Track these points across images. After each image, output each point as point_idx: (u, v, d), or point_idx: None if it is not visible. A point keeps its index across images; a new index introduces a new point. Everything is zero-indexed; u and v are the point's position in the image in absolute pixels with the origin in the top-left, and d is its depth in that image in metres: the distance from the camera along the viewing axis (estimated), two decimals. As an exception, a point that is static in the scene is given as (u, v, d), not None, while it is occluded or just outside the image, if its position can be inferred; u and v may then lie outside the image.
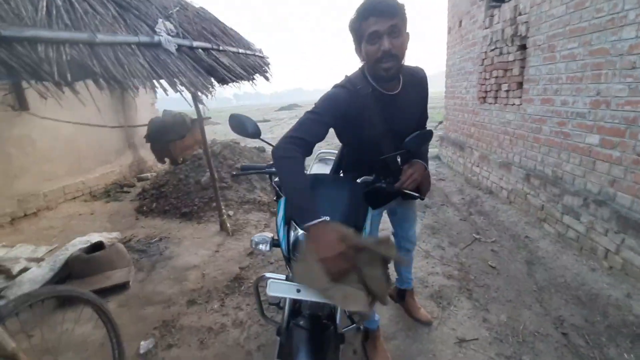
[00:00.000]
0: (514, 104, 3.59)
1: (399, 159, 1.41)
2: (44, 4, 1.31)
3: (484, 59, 4.18)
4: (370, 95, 1.26)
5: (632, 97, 2.19)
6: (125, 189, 5.35)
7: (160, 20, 1.84)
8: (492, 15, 3.98)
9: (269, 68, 2.87)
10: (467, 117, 4.96)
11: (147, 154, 6.22)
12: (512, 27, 3.48)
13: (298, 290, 0.97)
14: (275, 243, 1.24)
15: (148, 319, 2.16)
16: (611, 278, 2.32)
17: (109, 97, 5.38)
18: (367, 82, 1.27)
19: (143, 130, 5.72)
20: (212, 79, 2.11)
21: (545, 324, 1.97)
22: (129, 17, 1.75)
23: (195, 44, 2.04)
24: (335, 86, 1.29)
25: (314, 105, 1.22)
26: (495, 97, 3.97)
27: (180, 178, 4.49)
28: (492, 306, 2.15)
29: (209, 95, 2.12)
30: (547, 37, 2.99)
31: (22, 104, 4.05)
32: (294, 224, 1.15)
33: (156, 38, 1.72)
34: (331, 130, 1.30)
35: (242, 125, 1.32)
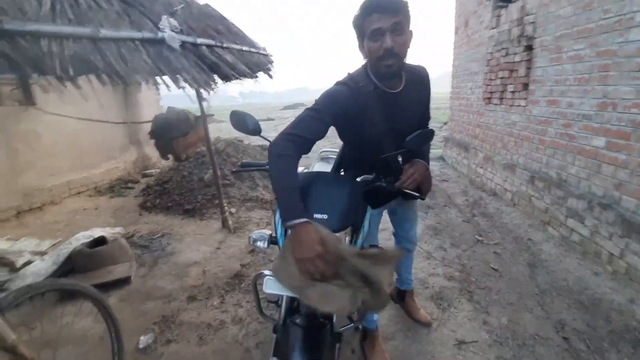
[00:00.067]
0: (519, 105, 3.56)
1: (400, 159, 1.40)
2: (49, -2, 1.32)
3: (489, 60, 4.14)
4: (372, 93, 1.25)
5: (639, 99, 2.16)
6: (129, 184, 5.39)
7: (164, 16, 1.85)
8: (498, 16, 3.95)
9: (272, 66, 2.87)
10: (472, 118, 4.92)
11: (151, 150, 6.26)
12: (519, 28, 3.45)
13: None
14: (273, 240, 1.23)
15: (148, 314, 2.18)
16: (615, 282, 2.29)
17: (114, 94, 5.43)
18: (370, 80, 1.26)
19: (148, 127, 5.76)
20: (216, 76, 2.11)
21: (546, 328, 1.95)
22: (134, 13, 1.76)
23: (199, 40, 2.04)
24: (337, 83, 1.27)
25: (314, 102, 1.21)
26: (501, 98, 3.94)
27: (184, 175, 4.51)
28: (493, 309, 2.13)
29: (212, 92, 2.12)
30: (554, 37, 2.96)
31: (28, 99, 4.10)
32: None
33: (160, 34, 1.73)
34: (333, 130, 1.30)
35: (243, 122, 1.32)
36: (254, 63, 2.61)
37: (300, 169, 1.57)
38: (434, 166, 5.86)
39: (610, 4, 2.34)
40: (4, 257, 2.74)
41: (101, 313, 1.56)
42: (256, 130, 1.34)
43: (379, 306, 0.97)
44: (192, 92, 2.33)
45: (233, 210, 3.77)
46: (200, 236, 3.30)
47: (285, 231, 1.16)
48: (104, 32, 1.37)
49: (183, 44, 1.90)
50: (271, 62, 2.92)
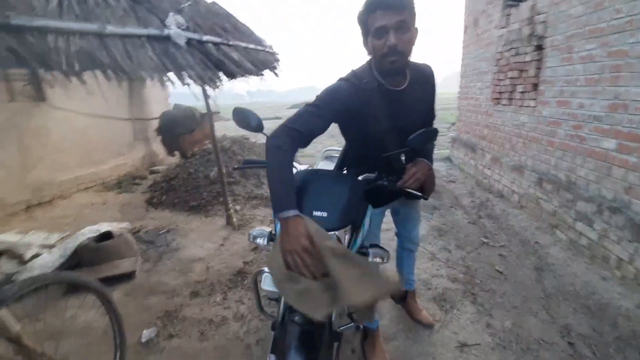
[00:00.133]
0: (528, 106, 3.50)
1: (403, 158, 1.39)
2: (57, -5, 1.34)
3: (499, 59, 4.08)
4: (376, 90, 1.24)
5: (653, 101, 2.11)
6: (137, 180, 5.45)
7: (171, 14, 1.86)
8: (508, 15, 3.89)
9: (278, 64, 2.87)
10: (480, 118, 4.86)
11: (159, 147, 6.33)
12: (529, 27, 3.39)
13: None
14: (272, 238, 1.23)
15: (152, 308, 2.20)
16: (623, 288, 2.24)
17: (123, 91, 5.49)
18: (374, 77, 1.25)
19: (156, 124, 5.82)
20: (221, 73, 2.12)
21: (551, 332, 1.91)
22: (141, 10, 1.77)
23: (205, 38, 2.05)
24: (340, 79, 1.26)
25: (315, 97, 1.20)
26: (510, 99, 3.88)
27: (190, 172, 4.54)
28: (497, 311, 2.10)
29: (218, 90, 2.13)
30: (565, 37, 2.90)
31: (39, 95, 4.16)
32: None
33: (166, 31, 1.74)
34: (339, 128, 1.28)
35: (246, 118, 1.32)
36: (260, 61, 2.61)
37: (304, 167, 1.57)
38: (440, 167, 5.81)
39: (622, 3, 2.29)
40: (14, 249, 2.80)
41: (104, 306, 1.58)
42: (259, 127, 1.33)
43: (361, 317, 0.96)
44: (198, 89, 2.35)
45: (238, 207, 3.78)
46: (204, 233, 3.33)
47: None
48: (110, 29, 1.39)
49: (189, 41, 1.91)
50: (277, 61, 2.92)
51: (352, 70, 1.29)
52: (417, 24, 1.18)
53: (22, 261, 2.64)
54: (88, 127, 4.81)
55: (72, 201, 4.49)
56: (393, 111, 1.27)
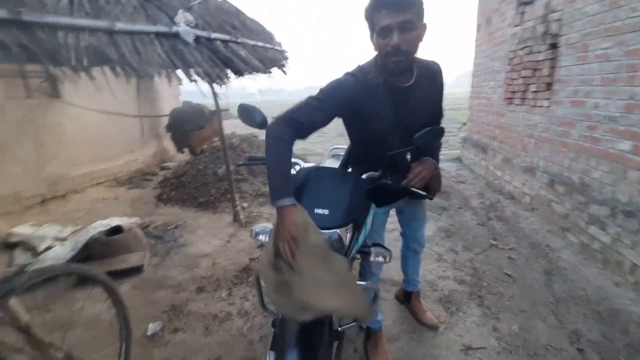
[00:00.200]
0: (541, 106, 3.42)
1: (408, 156, 1.37)
2: (68, -8, 1.36)
3: (512, 58, 4.00)
4: (382, 86, 1.22)
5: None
6: (147, 177, 5.54)
7: (180, 11, 1.88)
8: (522, 12, 3.80)
9: (286, 62, 2.87)
10: (492, 118, 4.77)
11: (170, 144, 6.41)
12: (544, 25, 3.31)
13: None
14: None
15: (158, 302, 2.23)
16: (636, 294, 2.17)
17: (135, 89, 5.58)
18: (379, 72, 1.23)
19: (167, 121, 5.89)
20: (229, 71, 2.13)
21: (559, 338, 1.87)
22: (150, 7, 1.80)
23: (214, 35, 2.06)
24: (347, 73, 1.25)
25: (319, 90, 1.20)
26: (523, 98, 3.80)
27: (199, 169, 4.59)
28: (504, 315, 2.06)
29: (228, 88, 2.15)
30: (580, 35, 2.82)
31: (54, 92, 4.26)
32: None
33: (174, 28, 1.76)
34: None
35: (250, 115, 1.32)
36: (269, 59, 2.62)
37: (311, 165, 1.56)
38: (450, 167, 5.73)
39: (637, 2, 2.22)
40: (28, 241, 2.89)
41: (111, 299, 1.61)
42: (263, 124, 1.34)
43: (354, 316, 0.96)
44: (206, 87, 2.36)
45: (245, 204, 3.81)
46: (212, 229, 3.36)
47: None
48: (119, 25, 1.41)
49: (197, 39, 1.93)
50: (286, 59, 2.92)
51: (359, 65, 1.28)
52: (426, 20, 1.16)
53: (35, 253, 2.72)
54: (101, 124, 4.91)
55: (85, 196, 4.59)
56: (398, 108, 1.25)
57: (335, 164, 2.16)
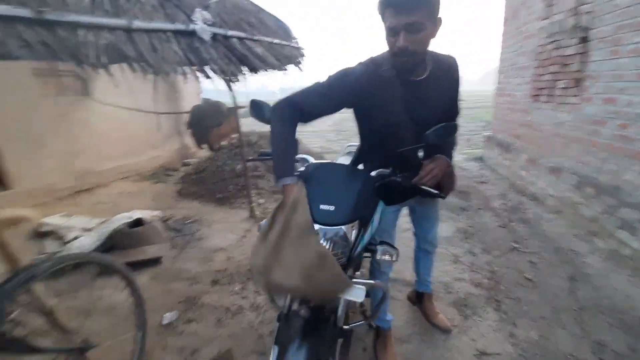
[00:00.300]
0: (570, 103, 3.25)
1: (420, 153, 1.33)
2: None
3: (539, 53, 3.82)
4: (393, 79, 1.20)
5: None
6: (170, 172, 5.72)
7: (197, 9, 1.92)
8: (551, 5, 3.61)
9: (303, 59, 2.88)
10: (517, 116, 4.59)
11: (191, 140, 6.58)
12: (574, 18, 3.13)
13: None
14: None
15: (174, 293, 2.30)
16: (670, 305, 2.03)
17: (160, 86, 5.75)
18: (392, 65, 1.21)
19: (187, 118, 6.05)
20: (245, 67, 2.16)
21: (581, 348, 1.78)
22: (169, 6, 1.84)
23: (230, 33, 2.09)
24: (359, 63, 1.24)
25: (327, 77, 1.20)
26: (550, 95, 3.62)
27: (218, 165, 4.69)
28: (522, 321, 1.98)
29: (244, 84, 2.18)
30: (612, 29, 2.65)
31: (84, 90, 4.47)
32: None
33: (191, 26, 1.80)
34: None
35: (260, 110, 1.33)
36: (285, 56, 2.63)
37: (319, 161, 1.55)
38: (472, 167, 5.56)
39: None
40: (58, 231, 3.05)
41: (129, 288, 1.67)
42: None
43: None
44: (223, 84, 2.40)
45: (261, 201, 3.86)
46: (228, 224, 3.43)
47: None
48: (137, 23, 1.46)
49: (214, 36, 1.96)
50: (302, 56, 2.93)
51: (371, 57, 1.26)
52: (441, 15, 1.12)
53: (64, 242, 2.87)
54: (127, 121, 5.11)
55: (111, 189, 4.79)
56: (410, 102, 1.22)
57: (348, 160, 2.15)
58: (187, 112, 5.98)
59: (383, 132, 1.30)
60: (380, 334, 1.70)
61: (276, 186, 1.12)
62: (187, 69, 1.77)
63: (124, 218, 3.12)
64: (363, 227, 1.12)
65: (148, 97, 5.03)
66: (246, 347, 1.81)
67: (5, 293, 1.12)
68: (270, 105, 1.38)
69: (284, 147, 1.13)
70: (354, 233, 1.17)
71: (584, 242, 2.86)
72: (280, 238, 0.98)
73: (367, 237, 1.12)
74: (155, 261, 2.69)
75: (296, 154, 1.20)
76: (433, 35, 1.14)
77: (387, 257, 1.13)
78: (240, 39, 2.15)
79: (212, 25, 2.00)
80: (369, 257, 1.27)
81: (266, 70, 2.28)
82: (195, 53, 1.77)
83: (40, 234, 3.08)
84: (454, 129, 1.19)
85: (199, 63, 1.78)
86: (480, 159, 5.95)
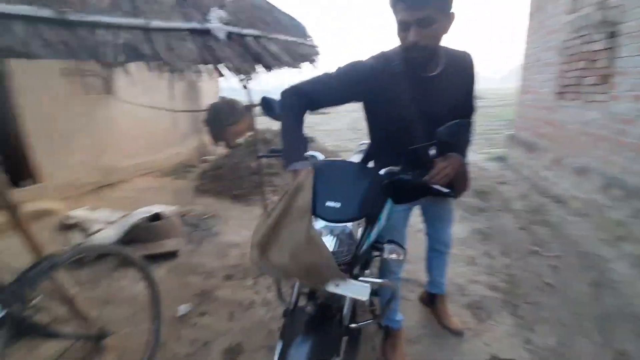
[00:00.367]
0: (597, 101, 3.09)
1: (431, 151, 1.30)
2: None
3: (565, 49, 3.66)
4: (405, 74, 1.18)
5: None
6: (189, 169, 5.86)
7: (213, 8, 1.95)
8: (579, -2, 3.45)
9: (317, 58, 2.88)
10: (541, 114, 4.41)
11: (209, 138, 6.71)
12: (601, 12, 2.98)
13: None
14: None
15: (189, 286, 2.36)
16: (703, 316, 1.90)
17: (180, 85, 5.90)
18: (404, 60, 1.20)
19: (205, 115, 6.17)
20: (259, 65, 2.18)
21: (603, 357, 1.70)
22: (186, 5, 1.89)
23: (245, 31, 2.12)
24: (371, 57, 1.24)
25: (337, 68, 1.22)
26: (576, 92, 3.46)
27: (235, 162, 4.77)
28: (540, 327, 1.91)
29: (260, 83, 2.21)
30: (644, 22, 2.50)
31: (107, 89, 4.65)
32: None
33: (206, 25, 1.83)
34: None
35: (271, 107, 1.34)
36: (300, 54, 2.64)
37: (329, 159, 1.55)
38: (493, 167, 5.39)
39: None
40: (82, 224, 3.20)
41: (145, 279, 1.73)
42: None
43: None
44: (243, 83, 2.43)
45: (276, 198, 3.89)
46: (243, 220, 3.48)
47: None
48: (154, 23, 1.50)
49: (229, 35, 1.99)
50: (317, 54, 2.93)
51: (382, 51, 1.25)
52: (454, 9, 1.10)
53: (88, 234, 3.01)
54: (149, 119, 5.27)
55: (133, 184, 4.96)
56: (421, 98, 1.20)
57: (359, 159, 2.13)
58: (204, 110, 6.10)
59: (393, 128, 1.28)
60: (389, 334, 1.68)
61: (286, 171, 1.15)
62: (202, 67, 1.81)
63: (143, 212, 3.23)
64: (370, 225, 1.11)
65: (169, 95, 5.16)
66: (256, 342, 1.84)
67: (27, 280, 1.18)
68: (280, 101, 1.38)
69: (293, 133, 1.16)
70: (360, 230, 1.16)
71: (610, 246, 2.72)
72: (280, 218, 1.03)
73: (373, 236, 1.11)
74: (172, 255, 2.76)
75: (305, 141, 1.22)
76: (445, 30, 1.12)
77: (394, 256, 1.11)
78: (255, 37, 2.18)
79: (228, 23, 2.03)
80: (379, 256, 1.26)
81: (281, 68, 2.29)
82: (210, 51, 1.80)
83: (67, 226, 3.24)
84: (467, 126, 1.16)
85: (214, 61, 1.82)
86: (501, 158, 5.77)
